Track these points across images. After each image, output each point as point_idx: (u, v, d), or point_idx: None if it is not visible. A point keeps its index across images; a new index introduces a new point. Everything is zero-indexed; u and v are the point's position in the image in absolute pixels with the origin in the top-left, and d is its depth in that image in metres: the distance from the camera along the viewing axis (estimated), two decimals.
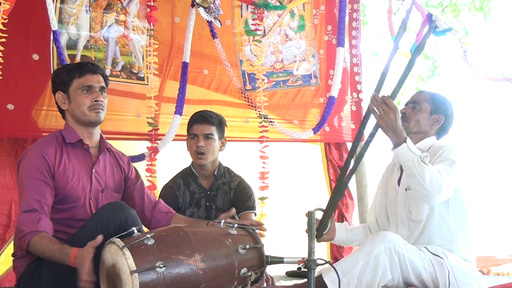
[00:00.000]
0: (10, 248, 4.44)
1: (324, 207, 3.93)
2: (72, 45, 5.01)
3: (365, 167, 6.27)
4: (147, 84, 5.34)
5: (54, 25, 4.64)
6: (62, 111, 3.85)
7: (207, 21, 5.21)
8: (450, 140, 4.20)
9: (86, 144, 3.80)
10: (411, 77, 10.88)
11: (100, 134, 3.93)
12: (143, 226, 3.75)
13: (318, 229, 3.83)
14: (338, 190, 4.00)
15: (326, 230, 3.94)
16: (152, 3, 5.11)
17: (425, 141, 4.04)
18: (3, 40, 4.22)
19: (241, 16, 5.87)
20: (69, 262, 3.22)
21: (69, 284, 3.38)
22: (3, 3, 4.22)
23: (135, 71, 5.36)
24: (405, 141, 3.56)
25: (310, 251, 3.20)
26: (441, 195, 3.60)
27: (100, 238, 3.21)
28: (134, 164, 4.30)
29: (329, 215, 3.91)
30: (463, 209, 3.87)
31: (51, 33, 4.69)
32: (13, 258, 3.74)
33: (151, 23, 5.13)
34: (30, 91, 4.72)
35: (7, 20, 4.22)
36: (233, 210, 3.97)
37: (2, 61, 4.23)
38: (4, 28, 4.20)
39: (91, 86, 3.74)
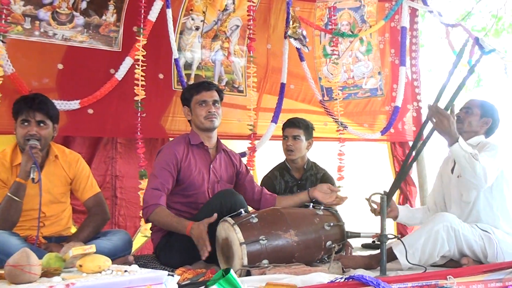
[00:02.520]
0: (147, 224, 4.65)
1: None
2: (188, 66, 5.18)
3: (425, 161, 6.26)
4: (245, 96, 5.46)
5: (175, 54, 4.84)
6: (189, 121, 4.02)
7: (296, 48, 5.32)
8: (497, 138, 4.20)
9: (206, 145, 3.93)
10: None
11: (217, 137, 4.06)
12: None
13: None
14: (399, 178, 4.15)
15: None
16: (251, 36, 5.22)
17: (475, 138, 4.00)
18: (144, 67, 4.50)
19: (320, 43, 5.95)
20: (185, 231, 3.39)
21: (193, 253, 3.53)
22: (142, 40, 4.51)
23: (236, 86, 5.48)
24: (457, 141, 3.59)
25: (382, 228, 3.27)
26: (488, 182, 3.61)
27: (215, 216, 3.35)
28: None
29: (390, 197, 3.94)
30: (504, 193, 3.83)
31: (173, 59, 4.86)
32: (151, 232, 3.94)
33: (251, 51, 5.22)
34: (158, 103, 4.87)
35: (145, 52, 4.51)
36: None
37: (144, 83, 4.50)
38: (143, 59, 4.50)
39: (205, 101, 3.87)
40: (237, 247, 3.21)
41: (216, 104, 3.92)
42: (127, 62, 4.56)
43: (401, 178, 4.16)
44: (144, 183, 4.42)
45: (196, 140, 3.91)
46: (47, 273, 2.38)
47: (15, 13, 4.30)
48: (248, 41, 5.29)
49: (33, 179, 3.29)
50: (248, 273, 3.12)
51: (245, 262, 3.17)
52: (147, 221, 3.71)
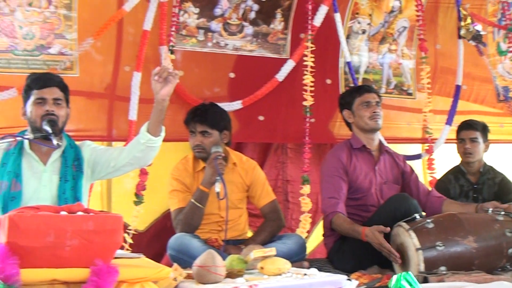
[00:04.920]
0: (318, 228, 4.74)
1: None
2: (355, 70, 5.12)
3: None
4: (415, 98, 5.36)
5: (348, 57, 4.89)
6: (348, 124, 4.07)
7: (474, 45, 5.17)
8: None
9: (369, 148, 3.97)
10: None
11: (379, 139, 4.08)
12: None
13: None
14: None
15: None
16: (422, 36, 5.11)
17: None
18: (313, 73, 4.57)
19: (493, 40, 5.68)
20: (360, 237, 3.41)
21: (367, 258, 3.57)
22: (311, 46, 4.58)
23: (405, 89, 5.39)
24: None
25: None
26: None
27: (388, 229, 3.34)
28: (410, 162, 4.37)
29: None
30: None
31: (338, 62, 4.92)
32: (323, 237, 4.02)
33: (423, 52, 5.10)
34: (326, 108, 4.87)
35: (313, 59, 4.58)
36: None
37: (312, 88, 4.58)
38: (313, 64, 4.56)
39: (369, 102, 3.92)
40: (412, 252, 3.17)
41: (379, 105, 3.97)
42: (289, 64, 4.64)
43: None
44: (306, 188, 4.48)
45: (358, 143, 3.96)
46: (231, 274, 2.51)
47: (190, 26, 4.52)
48: (419, 42, 5.17)
49: (218, 193, 3.43)
50: (425, 280, 3.06)
51: (422, 268, 3.12)
52: (332, 230, 3.76)
